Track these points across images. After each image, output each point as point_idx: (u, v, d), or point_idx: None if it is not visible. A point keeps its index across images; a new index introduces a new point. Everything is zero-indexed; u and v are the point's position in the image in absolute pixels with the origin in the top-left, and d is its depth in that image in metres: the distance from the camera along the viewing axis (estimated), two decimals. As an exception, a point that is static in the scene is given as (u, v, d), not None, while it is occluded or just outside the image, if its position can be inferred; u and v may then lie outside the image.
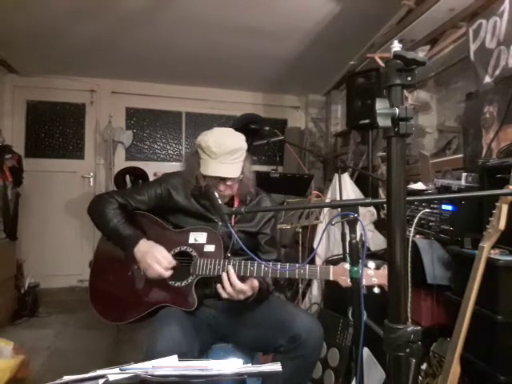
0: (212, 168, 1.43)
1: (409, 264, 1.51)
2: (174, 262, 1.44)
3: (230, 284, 1.34)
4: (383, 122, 0.68)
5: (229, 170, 1.44)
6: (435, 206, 1.77)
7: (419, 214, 1.80)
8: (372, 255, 2.13)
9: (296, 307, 1.70)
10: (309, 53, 3.42)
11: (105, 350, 2.60)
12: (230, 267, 1.36)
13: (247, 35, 3.12)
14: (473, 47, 2.15)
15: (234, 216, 1.54)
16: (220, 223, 1.53)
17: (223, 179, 1.45)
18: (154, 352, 1.18)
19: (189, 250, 1.48)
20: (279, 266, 1.36)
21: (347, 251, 1.24)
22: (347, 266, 1.26)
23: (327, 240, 2.71)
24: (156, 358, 0.79)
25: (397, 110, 0.67)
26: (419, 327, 0.73)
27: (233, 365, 0.72)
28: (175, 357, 0.77)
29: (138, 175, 3.95)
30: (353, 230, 1.18)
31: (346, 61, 3.45)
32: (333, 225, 2.33)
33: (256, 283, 1.36)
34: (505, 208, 1.19)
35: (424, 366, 1.65)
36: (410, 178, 2.42)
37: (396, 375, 0.73)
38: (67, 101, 4.28)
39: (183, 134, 4.65)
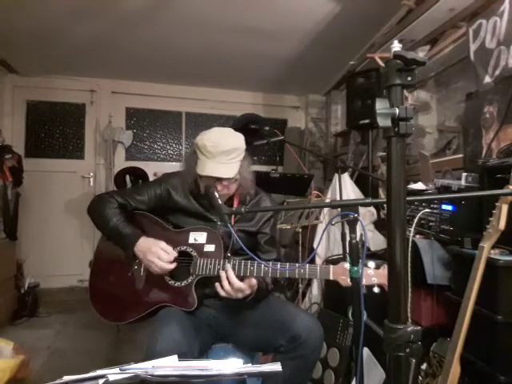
0: (208, 168, 1.43)
1: (409, 264, 1.51)
2: (175, 253, 1.44)
3: (229, 282, 1.34)
4: (383, 122, 0.68)
5: (224, 170, 1.43)
6: (435, 205, 1.77)
7: (419, 214, 1.80)
8: (372, 255, 2.13)
9: (296, 307, 1.70)
10: (309, 53, 3.42)
11: (105, 350, 2.60)
12: (229, 265, 1.36)
13: (247, 35, 3.12)
14: (473, 47, 2.15)
15: (233, 216, 1.53)
16: (220, 223, 1.53)
17: (219, 179, 1.45)
18: (153, 352, 1.18)
19: (189, 249, 1.48)
20: (279, 266, 1.36)
21: (347, 251, 1.24)
22: (347, 265, 1.26)
23: (327, 240, 2.71)
24: (156, 357, 0.79)
25: (397, 110, 0.67)
26: (419, 327, 0.72)
27: (233, 365, 0.72)
28: (175, 357, 0.77)
29: (138, 175, 3.95)
30: (353, 230, 1.18)
31: (346, 61, 3.45)
32: (333, 225, 2.33)
33: (254, 282, 1.36)
34: (505, 208, 1.19)
35: (424, 366, 1.65)
36: (410, 177, 2.42)
37: (396, 375, 0.73)
38: (67, 101, 4.28)
39: (183, 133, 4.65)
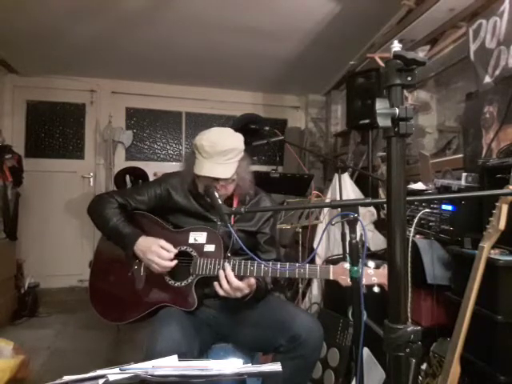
0: (205, 168, 1.43)
1: (409, 264, 1.51)
2: (175, 251, 1.44)
3: (227, 281, 1.34)
4: (383, 122, 0.68)
5: (221, 171, 1.43)
6: (435, 205, 1.77)
7: (419, 214, 1.80)
8: (372, 255, 2.13)
9: (296, 307, 1.70)
10: (309, 53, 3.42)
11: (105, 350, 2.60)
12: (227, 264, 1.36)
13: (247, 35, 3.12)
14: (473, 47, 2.15)
15: (233, 215, 1.53)
16: (219, 223, 1.53)
17: (216, 179, 1.45)
18: (153, 352, 1.18)
19: (189, 249, 1.48)
20: (279, 266, 1.36)
21: (347, 251, 1.24)
22: (347, 265, 1.26)
23: (327, 240, 2.71)
24: (156, 358, 0.79)
25: (397, 110, 0.67)
26: (419, 327, 0.72)
27: (233, 365, 0.72)
28: (175, 357, 0.77)
29: (138, 175, 3.95)
30: (353, 230, 1.18)
31: (346, 61, 3.45)
32: (333, 225, 2.33)
33: (253, 281, 1.36)
34: (505, 208, 1.19)
35: (424, 366, 1.65)
36: (410, 177, 2.42)
37: (396, 375, 0.73)
38: (67, 101, 4.28)
39: (183, 134, 4.65)
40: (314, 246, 2.59)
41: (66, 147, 4.31)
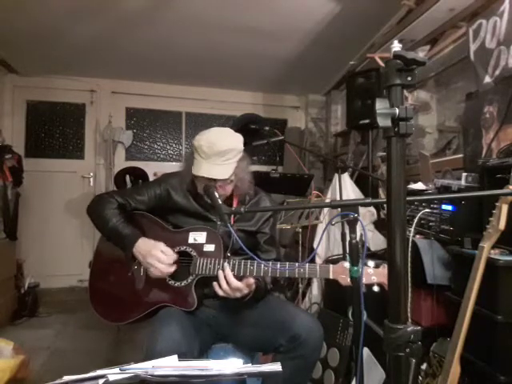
0: (202, 169, 1.43)
1: (409, 264, 1.51)
2: (175, 256, 1.44)
3: (226, 282, 1.34)
4: (383, 122, 0.68)
5: (218, 171, 1.43)
6: (435, 205, 1.77)
7: (419, 214, 1.80)
8: (372, 255, 2.13)
9: (296, 307, 1.70)
10: (309, 53, 3.42)
11: (105, 350, 2.60)
12: (226, 264, 1.36)
13: (247, 35, 3.12)
14: (473, 47, 2.15)
15: (232, 215, 1.53)
16: (219, 223, 1.53)
17: (214, 180, 1.45)
18: (153, 352, 1.18)
19: (188, 249, 1.48)
20: (279, 266, 1.36)
21: (347, 251, 1.24)
22: (347, 264, 1.26)
23: (327, 240, 2.71)
24: (156, 358, 0.79)
25: (397, 110, 0.67)
26: (419, 327, 0.72)
27: (233, 365, 0.72)
28: (175, 357, 0.77)
29: (138, 175, 3.95)
30: (353, 230, 1.18)
31: (346, 61, 3.45)
32: (333, 225, 2.33)
33: (251, 281, 1.36)
34: (505, 208, 1.19)
35: (424, 366, 1.65)
36: (410, 177, 2.42)
37: (396, 375, 0.73)
38: (67, 101, 4.28)
39: (183, 134, 4.65)
40: (314, 246, 2.59)
41: (66, 147, 4.32)
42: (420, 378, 1.63)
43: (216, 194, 1.36)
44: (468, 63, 2.23)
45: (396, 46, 0.68)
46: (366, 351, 1.77)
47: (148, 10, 2.74)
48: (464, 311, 1.24)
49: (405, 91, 0.72)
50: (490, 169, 1.60)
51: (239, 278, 1.36)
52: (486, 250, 1.23)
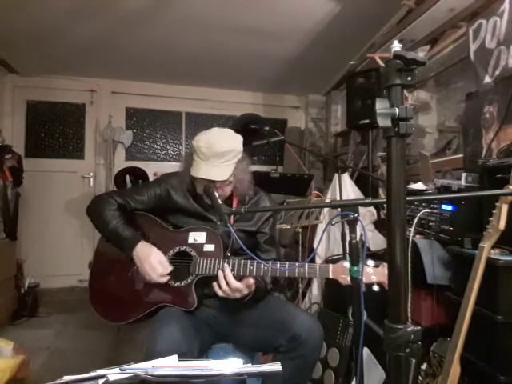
0: (201, 170, 1.43)
1: (409, 264, 1.51)
2: (170, 268, 1.44)
3: (226, 282, 1.34)
4: (383, 122, 0.68)
5: (217, 173, 1.43)
6: (435, 205, 1.77)
7: (419, 214, 1.80)
8: (372, 255, 2.13)
9: (296, 307, 1.70)
10: (309, 53, 3.42)
11: (105, 350, 2.60)
12: (226, 265, 1.36)
13: (247, 35, 3.12)
14: (473, 47, 2.15)
15: (232, 215, 1.53)
16: (219, 223, 1.53)
17: (212, 181, 1.44)
18: (153, 352, 1.18)
19: (188, 249, 1.48)
20: (278, 265, 1.36)
21: (347, 251, 1.24)
22: (346, 263, 1.26)
23: (327, 240, 2.71)
24: (156, 358, 0.79)
25: (397, 110, 0.67)
26: (419, 327, 0.72)
27: (233, 365, 0.72)
28: (175, 357, 0.77)
29: (138, 175, 3.95)
30: (353, 230, 1.18)
31: (346, 61, 3.45)
32: (333, 225, 2.33)
33: (251, 281, 1.36)
34: (505, 208, 1.19)
35: (424, 366, 1.65)
36: (410, 177, 2.42)
37: (396, 375, 0.73)
38: (67, 101, 4.28)
39: (183, 134, 4.65)
40: (314, 246, 2.59)
41: (66, 147, 4.32)
42: (420, 377, 1.63)
43: (216, 194, 1.35)
44: (468, 63, 2.23)
45: (396, 46, 0.68)
46: (365, 351, 1.77)
47: (148, 10, 2.74)
48: (464, 311, 1.24)
49: (405, 91, 0.72)
50: (490, 169, 1.60)
51: (239, 277, 1.36)
52: (486, 250, 1.23)
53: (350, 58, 3.40)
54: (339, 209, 1.21)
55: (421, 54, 2.67)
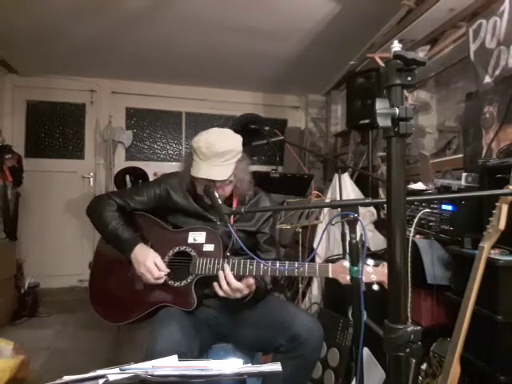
0: (201, 170, 1.43)
1: (409, 264, 1.51)
2: (166, 271, 1.44)
3: (227, 282, 1.34)
4: (383, 122, 0.68)
5: (217, 173, 1.43)
6: (435, 205, 1.77)
7: (419, 214, 1.80)
8: (372, 255, 2.12)
9: (296, 307, 1.70)
10: (309, 53, 3.42)
11: (105, 350, 2.60)
12: (226, 265, 1.37)
13: (247, 35, 3.12)
14: (473, 47, 2.15)
15: (232, 215, 1.53)
16: (219, 223, 1.53)
17: (213, 181, 1.45)
18: (153, 352, 1.18)
19: (188, 249, 1.48)
20: (278, 265, 1.36)
21: (347, 251, 1.24)
22: (346, 263, 1.26)
23: (327, 240, 2.71)
24: (156, 357, 0.79)
25: (397, 110, 0.67)
26: (419, 327, 0.72)
27: (233, 365, 0.72)
28: (175, 357, 0.77)
29: (138, 175, 3.94)
30: (353, 230, 1.18)
31: (346, 61, 3.45)
32: (333, 225, 2.33)
33: (251, 281, 1.36)
34: (505, 208, 1.19)
35: (424, 366, 1.65)
36: (410, 177, 2.42)
37: (396, 375, 0.73)
38: (67, 101, 4.28)
39: (183, 134, 4.65)
40: (314, 246, 2.59)
41: (66, 147, 4.31)
42: (420, 377, 1.63)
43: (216, 194, 1.35)
44: (468, 63, 2.23)
45: (396, 46, 0.68)
46: (365, 351, 1.77)
47: (148, 10, 2.74)
48: (464, 311, 1.24)
49: (405, 91, 0.72)
50: (490, 169, 1.60)
51: (239, 277, 1.36)
52: (486, 250, 1.23)
53: (350, 58, 3.40)
54: (339, 209, 1.21)
55: (421, 54, 2.67)
